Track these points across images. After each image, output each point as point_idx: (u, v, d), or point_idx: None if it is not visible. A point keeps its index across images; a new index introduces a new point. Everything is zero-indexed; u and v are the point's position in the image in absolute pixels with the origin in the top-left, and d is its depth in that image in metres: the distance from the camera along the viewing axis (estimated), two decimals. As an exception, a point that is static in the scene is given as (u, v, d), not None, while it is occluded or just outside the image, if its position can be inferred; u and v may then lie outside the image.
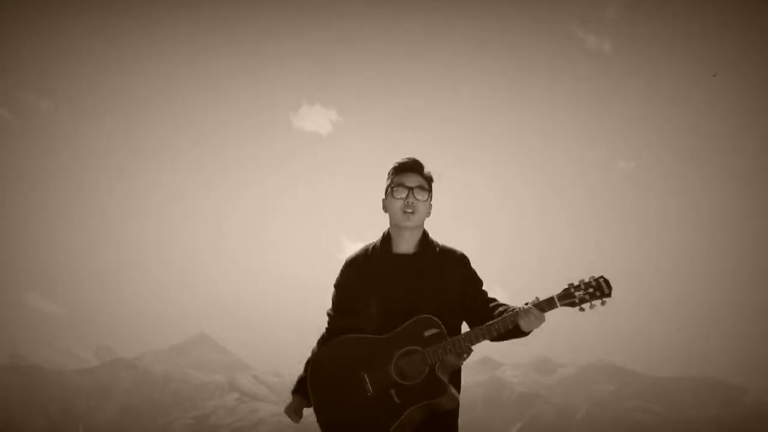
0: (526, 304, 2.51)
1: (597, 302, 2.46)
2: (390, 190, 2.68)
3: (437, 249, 2.69)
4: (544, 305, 2.49)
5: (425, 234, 2.72)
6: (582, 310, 2.48)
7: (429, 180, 2.71)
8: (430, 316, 2.55)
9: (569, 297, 2.48)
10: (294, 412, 2.75)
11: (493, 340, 2.56)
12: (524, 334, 2.54)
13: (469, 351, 2.53)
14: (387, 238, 2.72)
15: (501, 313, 2.58)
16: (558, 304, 2.49)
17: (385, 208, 2.71)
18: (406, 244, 2.68)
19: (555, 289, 2.51)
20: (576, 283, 2.50)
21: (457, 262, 2.68)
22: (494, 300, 2.68)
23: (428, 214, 2.69)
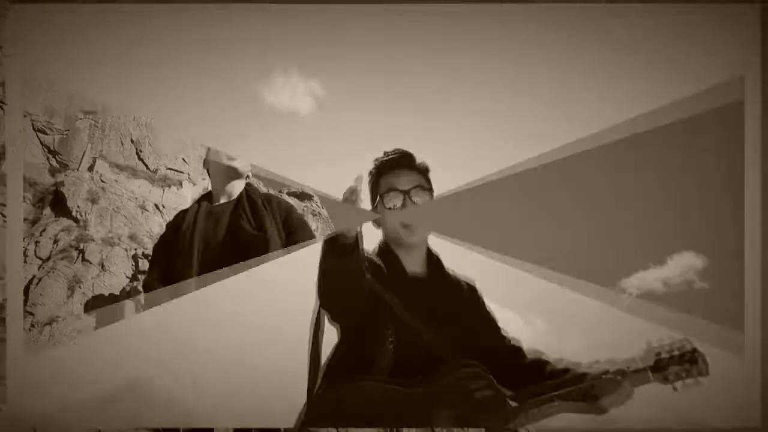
0: (606, 374, 1.98)
1: (691, 381, 2.04)
2: (378, 198, 2.04)
3: (449, 272, 2.11)
4: (636, 380, 1.98)
5: (430, 250, 2.11)
6: (675, 389, 2.02)
7: (425, 173, 2.09)
8: (480, 371, 1.96)
9: (664, 373, 2.01)
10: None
11: None
12: (599, 410, 1.99)
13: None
14: (390, 251, 2.06)
15: (560, 377, 2.04)
16: (652, 379, 1.99)
17: (377, 222, 2.09)
18: (413, 263, 2.05)
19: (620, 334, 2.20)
20: (667, 355, 2.02)
21: (469, 288, 2.13)
22: (514, 343, 2.13)
23: None
